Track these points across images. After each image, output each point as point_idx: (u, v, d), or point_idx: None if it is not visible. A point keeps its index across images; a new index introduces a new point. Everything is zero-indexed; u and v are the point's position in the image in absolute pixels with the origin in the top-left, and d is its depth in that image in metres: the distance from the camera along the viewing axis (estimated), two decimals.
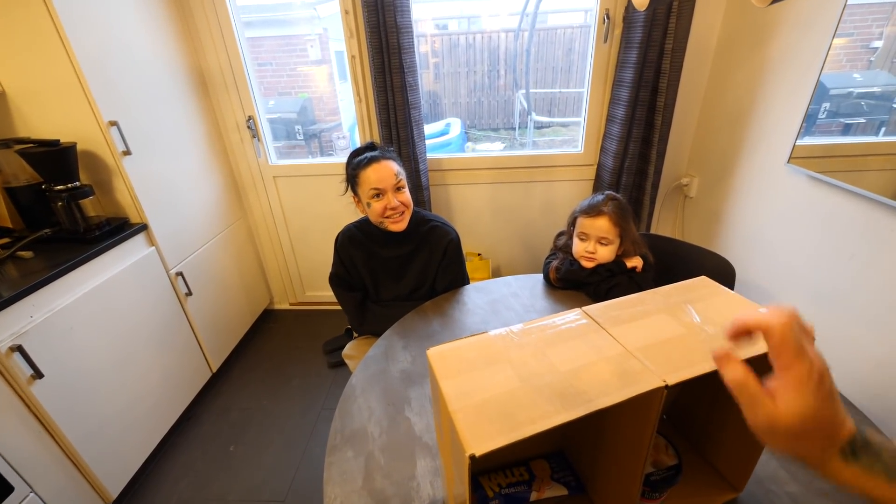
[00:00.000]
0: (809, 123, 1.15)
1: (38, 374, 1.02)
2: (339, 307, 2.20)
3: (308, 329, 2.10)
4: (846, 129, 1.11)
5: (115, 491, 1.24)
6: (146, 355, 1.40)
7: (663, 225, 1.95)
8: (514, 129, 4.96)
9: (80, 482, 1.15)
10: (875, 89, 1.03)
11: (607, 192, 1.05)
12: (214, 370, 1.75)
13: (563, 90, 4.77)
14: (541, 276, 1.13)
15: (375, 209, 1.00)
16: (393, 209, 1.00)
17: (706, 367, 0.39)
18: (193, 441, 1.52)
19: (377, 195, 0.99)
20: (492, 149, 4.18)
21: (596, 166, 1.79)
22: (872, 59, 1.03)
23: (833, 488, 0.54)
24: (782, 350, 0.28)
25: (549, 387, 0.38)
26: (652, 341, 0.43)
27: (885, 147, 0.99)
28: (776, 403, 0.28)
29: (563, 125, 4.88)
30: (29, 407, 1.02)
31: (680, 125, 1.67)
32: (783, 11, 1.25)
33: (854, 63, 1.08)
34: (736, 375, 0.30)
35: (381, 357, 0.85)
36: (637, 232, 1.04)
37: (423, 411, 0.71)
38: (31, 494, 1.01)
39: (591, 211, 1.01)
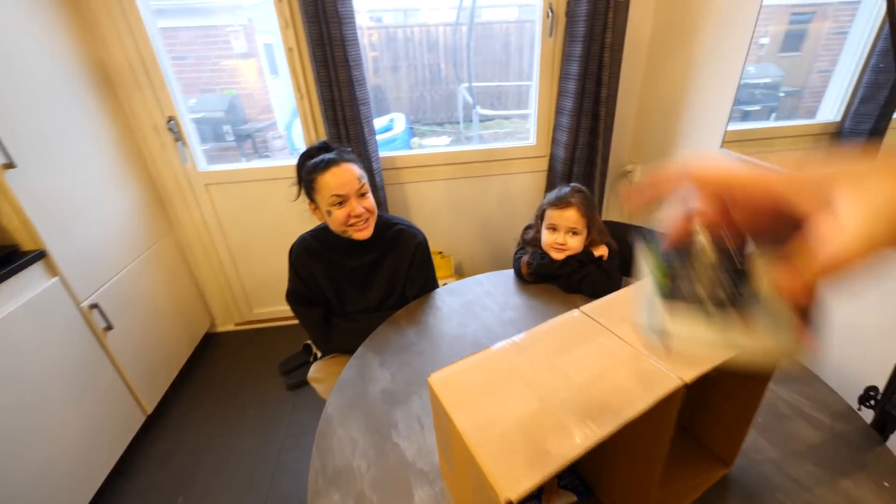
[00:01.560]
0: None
1: None
2: (292, 322, 2.05)
3: (259, 350, 1.92)
4: (750, 115, 1.26)
5: None
6: (57, 409, 1.16)
7: (612, 211, 2.03)
8: (458, 122, 4.97)
9: None
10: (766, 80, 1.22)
11: (573, 184, 1.05)
12: (150, 411, 1.53)
13: (502, 83, 4.86)
14: (511, 271, 1.10)
15: (337, 217, 0.91)
16: (357, 216, 0.91)
17: (715, 358, 0.38)
18: (131, 498, 1.31)
19: (339, 202, 0.90)
20: (438, 143, 4.14)
21: (549, 157, 1.81)
22: (761, 53, 1.19)
23: (809, 448, 0.56)
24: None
25: (570, 403, 0.35)
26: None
27: (783, 130, 1.19)
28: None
29: (505, 118, 4.98)
30: None
31: (622, 115, 1.73)
32: (706, 9, 1.34)
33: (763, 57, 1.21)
34: None
35: (357, 379, 0.77)
36: (601, 221, 1.05)
37: (412, 434, 0.64)
38: None
39: (560, 203, 1.00)
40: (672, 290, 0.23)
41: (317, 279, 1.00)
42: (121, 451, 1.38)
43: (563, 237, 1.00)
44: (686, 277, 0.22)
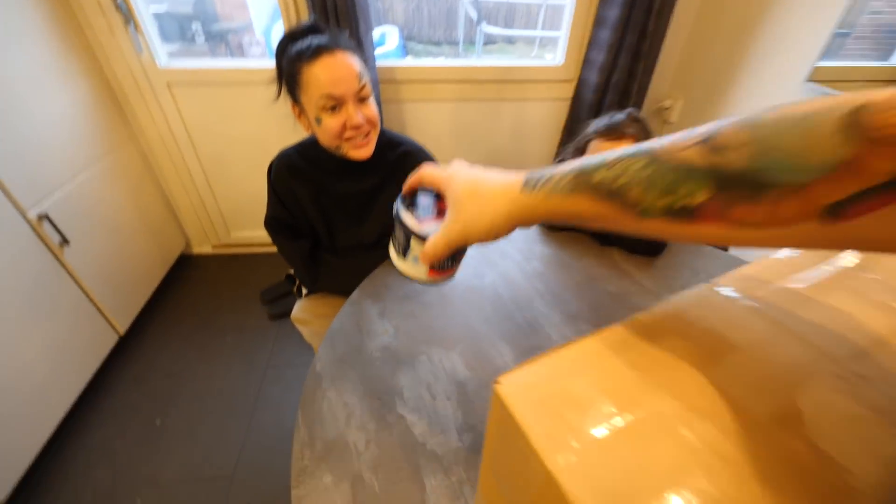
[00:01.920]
0: (840, 41, 1.02)
1: None
2: (274, 249, 1.89)
3: (239, 276, 1.79)
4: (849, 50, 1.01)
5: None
6: (13, 327, 1.05)
7: None
8: (457, 43, 4.41)
9: None
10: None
11: (629, 109, 0.85)
12: (122, 332, 1.42)
13: None
14: None
15: (330, 127, 0.70)
16: (356, 128, 0.70)
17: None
18: (106, 418, 1.25)
19: (333, 107, 0.69)
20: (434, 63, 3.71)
21: (576, 83, 1.56)
22: None
23: None
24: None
25: (760, 461, 0.19)
26: (867, 343, 0.26)
27: None
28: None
29: (510, 41, 4.42)
30: None
31: (668, 37, 1.47)
32: None
33: None
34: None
35: (353, 330, 0.64)
36: None
37: (421, 405, 0.53)
38: None
39: (612, 132, 0.81)
40: (394, 238, 0.43)
41: (302, 205, 0.82)
42: (93, 370, 1.30)
43: None
44: (396, 233, 0.42)
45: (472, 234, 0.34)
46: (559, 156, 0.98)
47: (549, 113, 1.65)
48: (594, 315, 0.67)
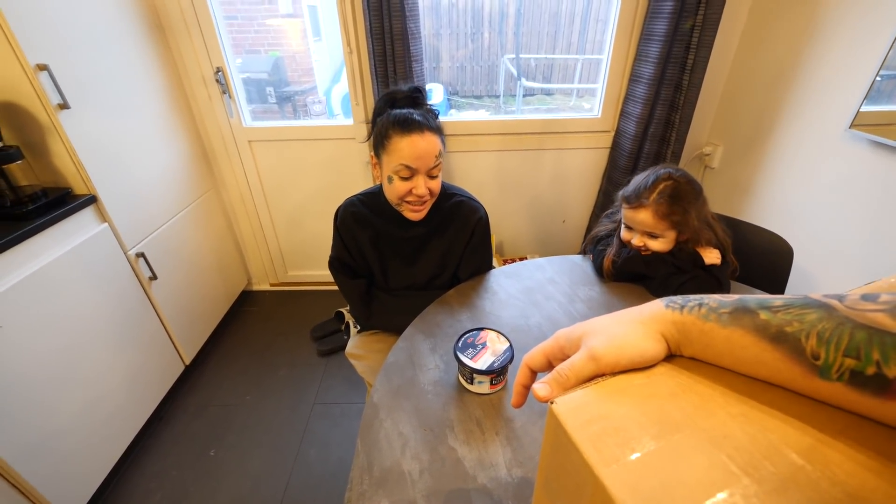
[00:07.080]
0: (882, 84, 1.01)
1: None
2: (325, 288, 2.03)
3: (292, 312, 1.91)
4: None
5: None
6: (103, 352, 1.18)
7: None
8: (498, 96, 4.70)
9: None
10: None
11: (663, 170, 0.82)
12: (188, 362, 1.55)
13: (549, 56, 4.54)
14: (576, 258, 0.98)
15: (397, 189, 0.80)
16: (419, 197, 0.80)
17: None
18: (166, 445, 1.34)
19: (406, 177, 0.79)
20: (478, 117, 3.95)
21: (614, 133, 1.62)
22: None
23: None
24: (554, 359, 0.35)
25: (797, 489, 0.21)
26: None
27: None
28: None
29: (547, 93, 4.64)
30: None
31: (708, 86, 1.51)
32: None
33: None
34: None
35: (406, 364, 0.69)
36: (705, 214, 0.83)
37: (472, 439, 0.56)
38: None
39: (633, 200, 0.81)
40: (461, 372, 0.64)
41: (361, 247, 0.91)
42: (160, 398, 1.41)
43: (640, 240, 0.83)
44: (461, 370, 0.63)
45: (625, 347, 0.29)
46: (605, 211, 1.00)
47: (588, 161, 1.71)
48: None
